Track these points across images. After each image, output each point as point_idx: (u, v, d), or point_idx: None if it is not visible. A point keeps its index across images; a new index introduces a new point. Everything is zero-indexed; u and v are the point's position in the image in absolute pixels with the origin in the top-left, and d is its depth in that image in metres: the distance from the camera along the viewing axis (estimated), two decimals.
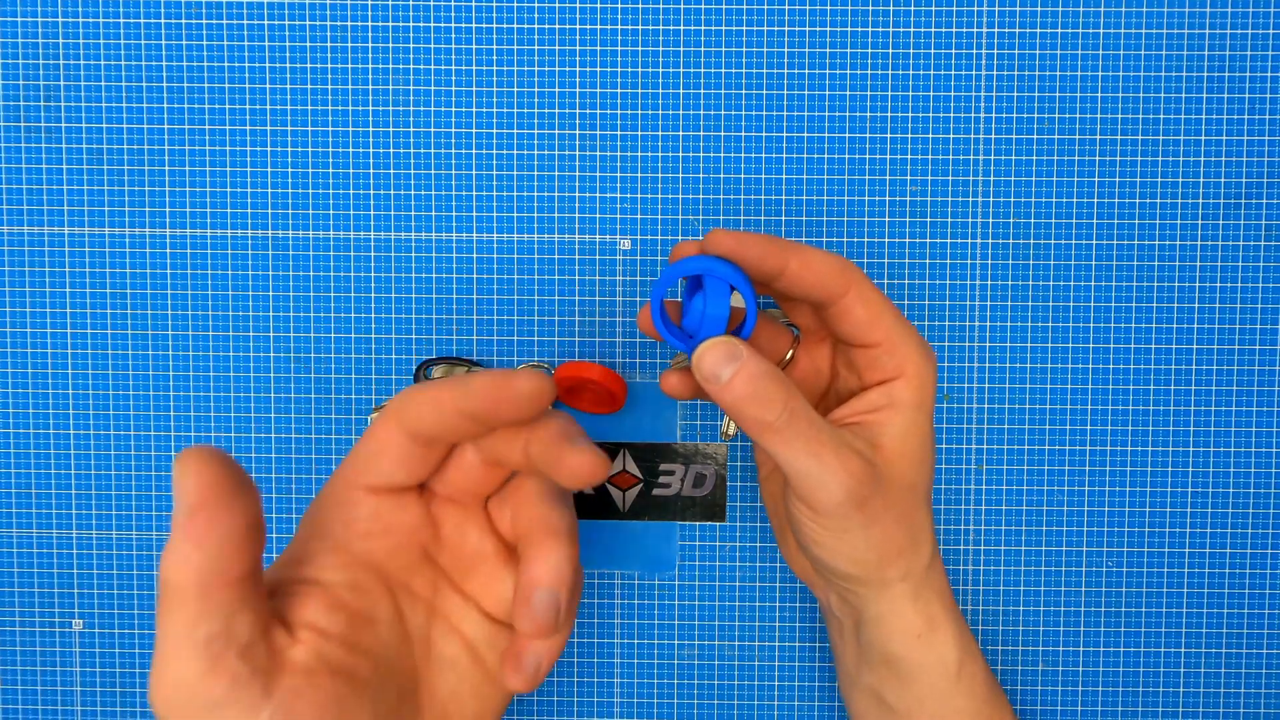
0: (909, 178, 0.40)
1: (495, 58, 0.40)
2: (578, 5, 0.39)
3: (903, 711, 0.34)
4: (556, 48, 0.39)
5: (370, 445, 0.29)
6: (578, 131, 0.40)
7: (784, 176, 0.40)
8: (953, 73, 0.39)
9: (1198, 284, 0.40)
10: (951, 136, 0.40)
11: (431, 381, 0.29)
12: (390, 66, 0.40)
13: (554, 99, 0.40)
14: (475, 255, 0.40)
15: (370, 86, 0.40)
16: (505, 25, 0.39)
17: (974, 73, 0.39)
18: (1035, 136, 0.40)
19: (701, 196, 0.40)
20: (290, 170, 0.40)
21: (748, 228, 0.40)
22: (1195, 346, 0.40)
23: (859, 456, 0.31)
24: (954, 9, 0.39)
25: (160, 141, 0.40)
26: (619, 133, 0.40)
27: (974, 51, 0.39)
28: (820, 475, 0.30)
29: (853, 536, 0.32)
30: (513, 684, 0.29)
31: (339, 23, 0.39)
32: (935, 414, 0.40)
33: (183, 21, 0.39)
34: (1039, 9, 0.39)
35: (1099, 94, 0.39)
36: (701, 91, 0.40)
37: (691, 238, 0.36)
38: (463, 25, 0.39)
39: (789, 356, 0.36)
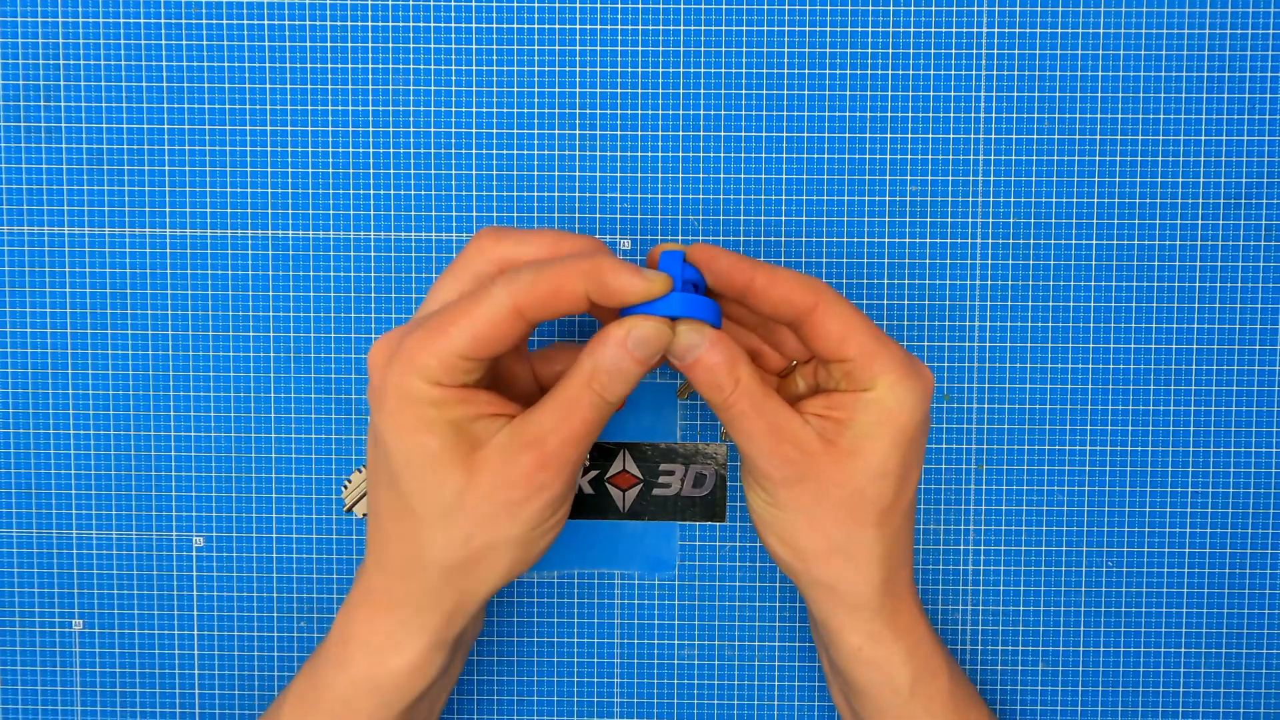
0: (909, 178, 0.40)
1: (495, 58, 0.40)
2: (578, 5, 0.39)
3: (866, 718, 0.36)
4: (556, 48, 0.39)
5: (480, 324, 0.31)
6: (578, 131, 0.40)
7: (784, 176, 0.40)
8: (953, 73, 0.39)
9: (1198, 284, 0.40)
10: (951, 136, 0.40)
11: (546, 270, 0.31)
12: (390, 66, 0.40)
13: (554, 99, 0.40)
14: None
15: (370, 86, 0.40)
16: (505, 25, 0.39)
17: (974, 73, 0.39)
18: (1035, 136, 0.40)
19: (701, 196, 0.40)
20: (290, 170, 0.40)
21: (747, 228, 0.40)
22: (1195, 346, 0.40)
23: (792, 444, 0.32)
24: (954, 9, 0.39)
25: (160, 141, 0.40)
26: (619, 133, 0.40)
27: (974, 51, 0.39)
28: (751, 452, 0.33)
29: (782, 515, 0.33)
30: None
31: (339, 23, 0.39)
32: (935, 415, 0.40)
33: (183, 21, 0.39)
34: (1039, 9, 0.39)
35: (1099, 94, 0.39)
36: (701, 92, 0.40)
37: (671, 240, 0.36)
38: (463, 25, 0.39)
39: (793, 365, 0.36)
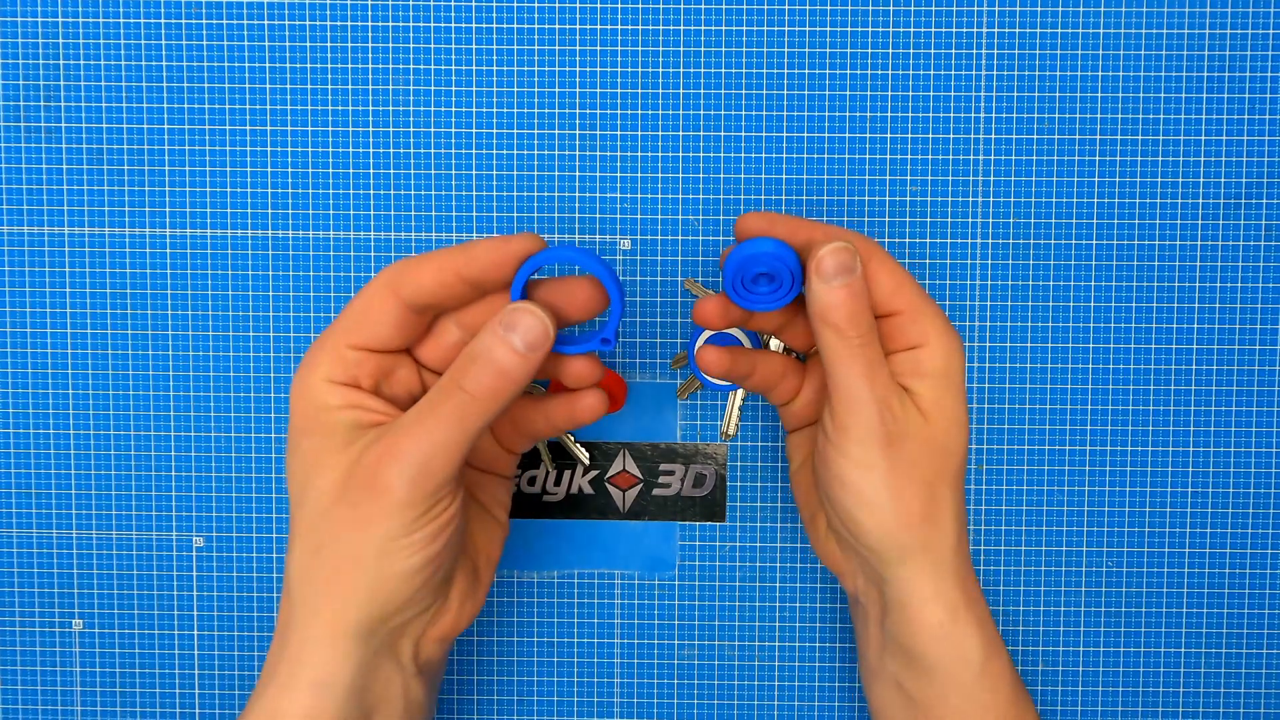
0: (909, 178, 0.40)
1: (495, 58, 0.40)
2: (578, 5, 0.39)
3: (924, 704, 0.34)
4: (556, 48, 0.39)
5: (358, 307, 0.32)
6: (578, 131, 0.40)
7: (784, 176, 0.40)
8: (953, 73, 0.39)
9: (1198, 284, 0.40)
10: (951, 136, 0.40)
11: (424, 252, 0.32)
12: (390, 66, 0.40)
13: (554, 99, 0.40)
14: None
15: (370, 86, 0.40)
16: (505, 25, 0.39)
17: (974, 73, 0.39)
18: (1035, 136, 0.40)
19: (701, 196, 0.40)
20: (290, 170, 0.40)
21: None
22: (1195, 346, 0.40)
23: (899, 399, 0.32)
24: (954, 9, 0.39)
25: (160, 141, 0.40)
26: (619, 133, 0.40)
27: (974, 51, 0.39)
28: (863, 399, 0.32)
29: (875, 477, 0.32)
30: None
31: (339, 23, 0.39)
32: None
33: (183, 21, 0.39)
34: (1039, 9, 0.39)
35: (1099, 94, 0.39)
36: (701, 91, 0.40)
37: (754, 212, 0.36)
38: (463, 25, 0.39)
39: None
